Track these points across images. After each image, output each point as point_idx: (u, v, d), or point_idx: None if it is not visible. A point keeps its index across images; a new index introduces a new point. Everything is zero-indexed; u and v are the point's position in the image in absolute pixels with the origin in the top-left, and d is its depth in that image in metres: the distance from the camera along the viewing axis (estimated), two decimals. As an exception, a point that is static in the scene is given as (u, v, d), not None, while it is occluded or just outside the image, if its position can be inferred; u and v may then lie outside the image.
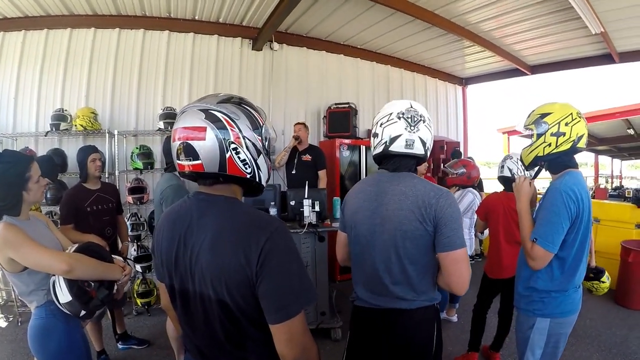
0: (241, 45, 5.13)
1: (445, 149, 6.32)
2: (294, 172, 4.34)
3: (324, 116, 5.48)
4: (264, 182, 1.05)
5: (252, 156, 0.98)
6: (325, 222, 3.32)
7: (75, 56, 4.48)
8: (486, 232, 2.96)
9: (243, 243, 0.90)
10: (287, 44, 5.41)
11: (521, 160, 1.77)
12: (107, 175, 4.02)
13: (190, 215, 1.00)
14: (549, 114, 1.61)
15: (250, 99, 0.94)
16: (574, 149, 1.58)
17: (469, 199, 3.33)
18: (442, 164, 5.67)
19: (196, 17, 4.82)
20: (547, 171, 1.72)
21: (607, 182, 12.27)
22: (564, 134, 1.56)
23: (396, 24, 5.01)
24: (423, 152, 1.35)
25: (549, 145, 1.59)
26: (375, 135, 1.39)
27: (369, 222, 1.37)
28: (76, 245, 1.69)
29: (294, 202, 3.44)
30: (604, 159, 13.86)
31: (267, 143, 1.03)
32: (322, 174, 4.30)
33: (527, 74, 6.64)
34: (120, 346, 3.15)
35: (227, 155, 0.93)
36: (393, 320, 1.36)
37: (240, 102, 1.00)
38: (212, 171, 0.94)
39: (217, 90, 4.93)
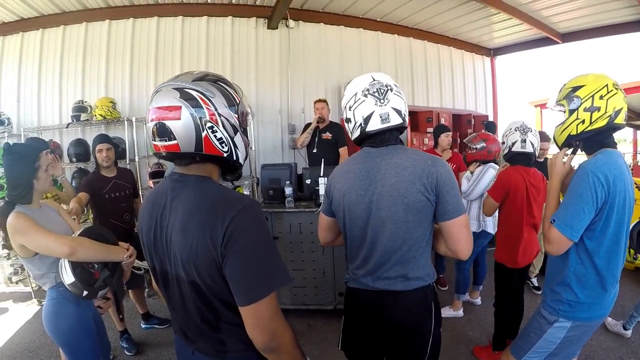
0: (256, 25, 5.00)
1: (474, 122, 5.94)
2: (314, 151, 4.18)
3: (345, 92, 5.23)
4: (241, 161, 1.02)
5: (229, 134, 0.95)
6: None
7: (92, 49, 4.57)
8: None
9: (209, 223, 0.88)
10: (304, 20, 5.22)
11: (554, 139, 1.58)
12: (127, 162, 4.00)
13: (165, 197, 0.99)
14: (581, 86, 1.42)
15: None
16: (611, 126, 1.39)
17: (491, 175, 3.02)
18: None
19: (209, 0, 4.74)
20: (583, 152, 1.53)
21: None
22: (598, 109, 1.37)
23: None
24: (401, 121, 1.29)
25: (582, 122, 1.41)
26: (348, 120, 1.33)
27: (364, 201, 1.30)
28: (82, 229, 1.75)
29: (309, 180, 3.34)
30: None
31: (243, 120, 1.01)
32: (343, 151, 4.12)
33: (558, 43, 6.23)
34: (143, 325, 3.23)
35: (203, 134, 0.91)
36: (388, 302, 1.32)
37: (216, 80, 0.97)
38: (188, 151, 0.92)
39: (234, 72, 4.86)
